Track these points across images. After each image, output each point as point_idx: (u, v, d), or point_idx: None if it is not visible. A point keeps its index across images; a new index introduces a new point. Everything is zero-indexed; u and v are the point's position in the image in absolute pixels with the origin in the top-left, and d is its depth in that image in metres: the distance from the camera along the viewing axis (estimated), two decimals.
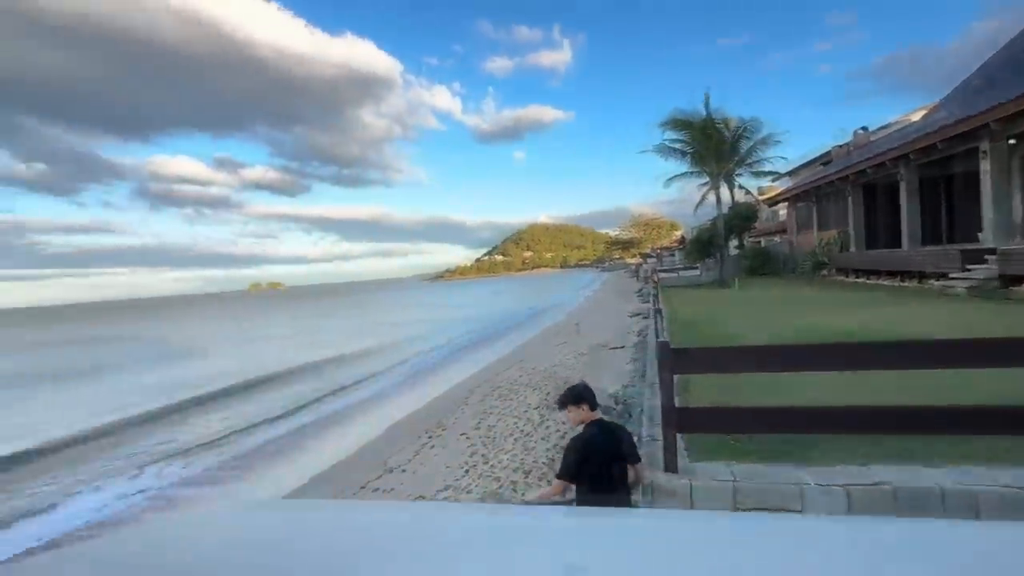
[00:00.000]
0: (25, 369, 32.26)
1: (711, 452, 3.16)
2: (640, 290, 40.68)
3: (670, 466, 2.41)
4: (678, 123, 27.37)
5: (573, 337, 22.80)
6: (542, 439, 9.61)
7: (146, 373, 26.79)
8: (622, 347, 17.10)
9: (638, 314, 24.95)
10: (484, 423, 11.29)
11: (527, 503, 3.55)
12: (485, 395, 14.04)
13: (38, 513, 9.18)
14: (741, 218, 32.67)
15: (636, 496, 3.01)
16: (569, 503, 2.94)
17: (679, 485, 2.39)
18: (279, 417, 14.93)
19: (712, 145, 26.66)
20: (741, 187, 30.42)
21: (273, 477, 10.07)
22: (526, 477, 7.82)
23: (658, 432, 3.12)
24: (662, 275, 36.00)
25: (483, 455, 9.25)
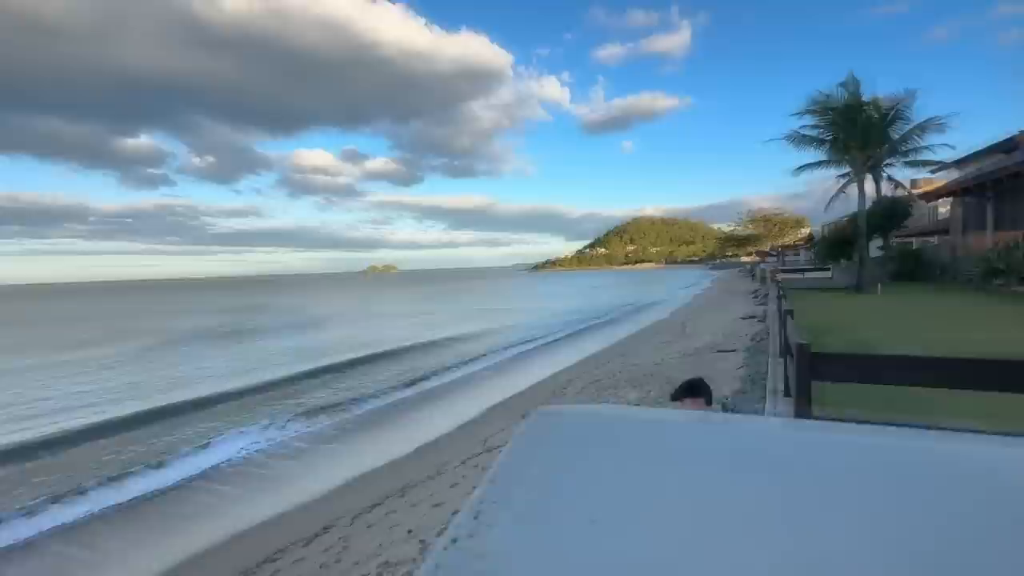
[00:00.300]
0: (201, 330, 38.75)
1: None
2: (756, 291, 37.42)
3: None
4: (818, 107, 24.28)
5: (678, 336, 21.71)
6: None
7: (285, 339, 30.78)
8: (733, 351, 15.91)
9: (752, 317, 22.99)
10: None
11: None
12: (584, 386, 13.96)
13: (197, 450, 11.05)
14: (887, 215, 28.16)
15: None
16: None
17: None
18: (393, 388, 16.25)
19: (857, 131, 23.28)
20: (890, 179, 26.32)
21: (385, 442, 11.00)
22: None
23: None
24: (784, 276, 32.63)
25: None
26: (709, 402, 3.21)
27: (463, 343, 25.62)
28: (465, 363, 20.19)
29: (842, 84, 23.53)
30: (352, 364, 20.44)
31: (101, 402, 15.79)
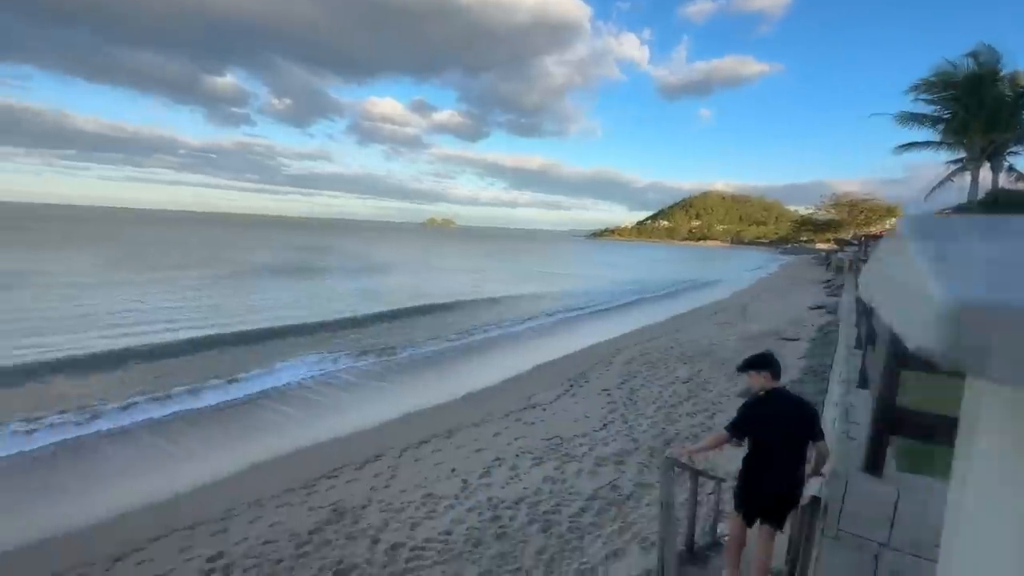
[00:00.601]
0: (273, 264, 41.48)
1: (920, 467, 2.66)
2: (828, 281, 34.93)
3: (871, 466, 2.06)
4: (939, 78, 21.20)
5: (738, 319, 20.85)
6: (687, 414, 9.21)
7: (349, 281, 32.44)
8: (796, 339, 15.12)
9: (821, 307, 21.58)
10: (627, 385, 11.20)
11: (690, 451, 3.55)
12: (632, 358, 13.83)
13: (264, 372, 12.06)
14: (1002, 211, 24.80)
15: (819, 478, 2.73)
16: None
17: (883, 493, 2.06)
18: (446, 338, 16.84)
19: (983, 110, 20.18)
20: (1012, 170, 23.07)
21: (434, 386, 11.50)
22: (666, 446, 7.63)
23: (854, 431, 2.72)
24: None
25: (622, 415, 9.24)
26: (776, 376, 3.09)
27: (516, 302, 25.90)
28: (517, 322, 20.47)
29: (971, 54, 20.47)
30: (409, 312, 21.23)
31: (184, 319, 17.48)
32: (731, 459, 5.75)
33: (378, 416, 9.34)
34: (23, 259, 33.86)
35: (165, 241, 67.30)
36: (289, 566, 4.76)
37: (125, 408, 9.36)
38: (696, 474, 3.65)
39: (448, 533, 5.29)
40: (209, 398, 10.24)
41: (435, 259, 61.12)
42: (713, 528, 4.38)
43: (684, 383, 11.31)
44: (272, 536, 5.27)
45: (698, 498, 4.13)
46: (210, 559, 4.88)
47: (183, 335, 15.00)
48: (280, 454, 7.57)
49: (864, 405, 3.09)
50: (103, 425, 8.61)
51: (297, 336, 15.91)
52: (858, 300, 7.27)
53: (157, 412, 9.33)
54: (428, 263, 53.67)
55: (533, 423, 8.85)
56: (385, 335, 16.90)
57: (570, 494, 6.17)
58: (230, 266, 37.40)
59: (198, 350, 13.71)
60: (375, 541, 5.16)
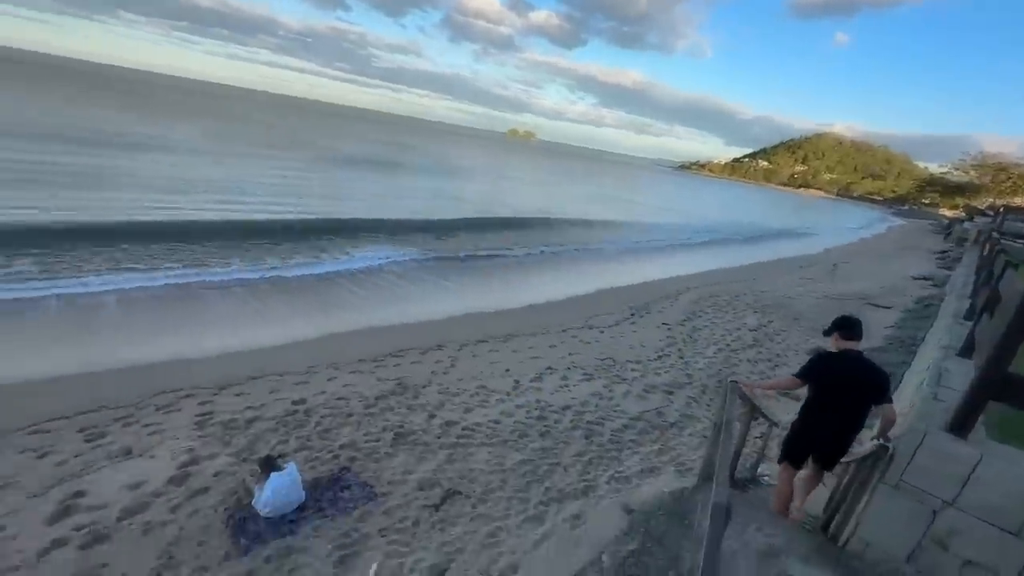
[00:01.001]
0: (359, 156, 42.80)
1: (1012, 438, 2.48)
2: (944, 253, 30.95)
3: (958, 427, 1.94)
4: None
5: (824, 276, 19.32)
6: (748, 361, 8.98)
7: (428, 181, 33.04)
8: (888, 308, 13.89)
9: (927, 279, 19.40)
10: (690, 323, 10.99)
11: (756, 386, 3.58)
12: (699, 298, 13.41)
13: (342, 256, 12.99)
14: None
15: (886, 442, 2.64)
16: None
17: (964, 454, 1.95)
18: (513, 250, 17.10)
19: None
20: None
21: (498, 293, 11.89)
22: (719, 386, 7.58)
23: (944, 394, 2.54)
24: (1008, 244, 25.89)
25: (679, 350, 9.18)
26: (857, 339, 2.98)
27: (590, 226, 25.36)
28: (587, 245, 20.24)
29: None
30: (483, 222, 21.32)
31: (278, 198, 18.88)
32: (783, 411, 5.64)
33: (442, 311, 9.89)
34: (147, 124, 37.21)
35: (263, 121, 70.86)
36: (357, 420, 5.41)
37: (226, 267, 10.60)
38: (753, 409, 3.63)
39: (496, 422, 5.74)
40: (295, 269, 11.36)
41: (514, 171, 60.27)
42: (754, 467, 4.43)
43: (751, 331, 10.92)
44: (345, 395, 5.96)
45: (746, 436, 4.15)
46: (294, 402, 5.65)
47: (276, 213, 16.27)
48: (355, 329, 8.32)
49: (960, 372, 2.85)
50: (207, 278, 9.88)
51: (375, 230, 16.66)
52: (979, 269, 6.47)
53: (250, 275, 10.51)
54: (507, 174, 53.10)
55: (589, 342, 9.03)
56: (457, 239, 17.37)
57: (615, 411, 6.40)
58: (320, 152, 39.12)
59: (287, 228, 14.83)
60: (431, 416, 5.71)
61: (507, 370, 7.32)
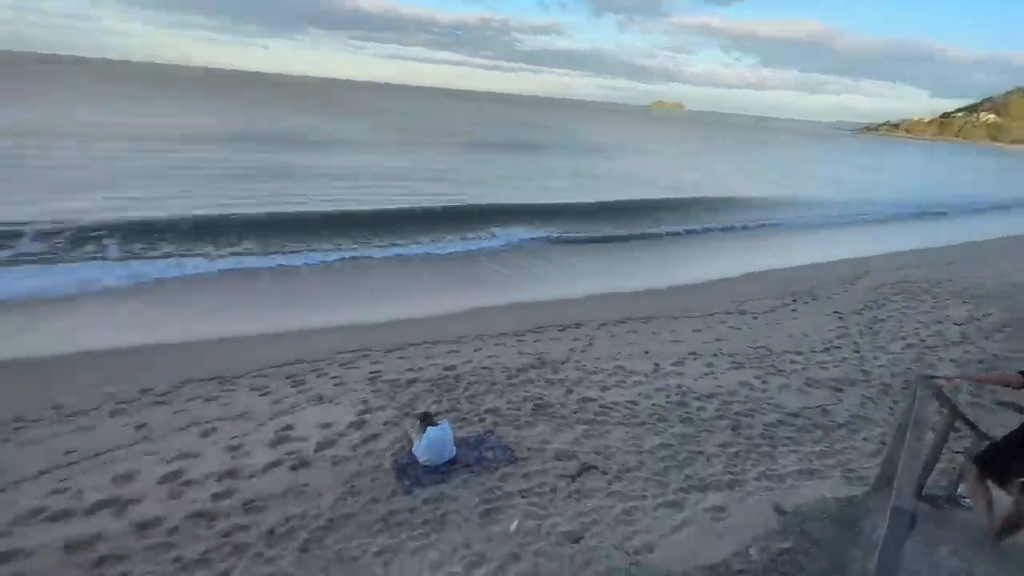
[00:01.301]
0: (498, 141, 44.69)
1: None
2: None
3: None
4: None
5: None
6: (952, 361, 7.41)
7: (566, 161, 33.05)
8: None
9: None
10: (870, 313, 9.42)
11: (972, 378, 3.06)
12: (883, 283, 11.40)
13: (486, 235, 13.85)
14: None
15: None
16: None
17: None
18: (656, 230, 16.41)
19: None
20: None
21: (639, 274, 11.59)
22: (905, 387, 6.41)
23: None
24: None
25: (855, 343, 7.95)
26: None
27: (747, 204, 22.65)
28: (739, 224, 18.44)
29: None
30: (627, 204, 20.37)
31: (430, 183, 20.72)
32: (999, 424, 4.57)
33: (582, 290, 9.97)
34: (333, 123, 43.62)
35: (417, 113, 77.77)
36: (500, 389, 5.79)
37: (382, 247, 12.14)
38: (955, 414, 3.00)
39: (634, 403, 5.65)
40: (447, 247, 12.60)
41: (658, 145, 57.07)
42: (954, 485, 3.69)
43: (957, 325, 8.96)
44: (489, 365, 6.41)
45: (942, 447, 3.47)
46: (446, 368, 6.26)
47: (428, 197, 17.85)
48: (498, 304, 8.86)
49: None
50: (370, 252, 11.55)
51: (516, 213, 17.08)
52: None
53: (406, 251, 11.97)
54: (651, 149, 50.55)
55: (739, 328, 8.31)
56: (595, 222, 17.08)
57: (768, 404, 5.84)
58: (466, 139, 41.71)
59: (437, 210, 16.06)
60: (569, 391, 5.85)
61: (646, 352, 7.13)
